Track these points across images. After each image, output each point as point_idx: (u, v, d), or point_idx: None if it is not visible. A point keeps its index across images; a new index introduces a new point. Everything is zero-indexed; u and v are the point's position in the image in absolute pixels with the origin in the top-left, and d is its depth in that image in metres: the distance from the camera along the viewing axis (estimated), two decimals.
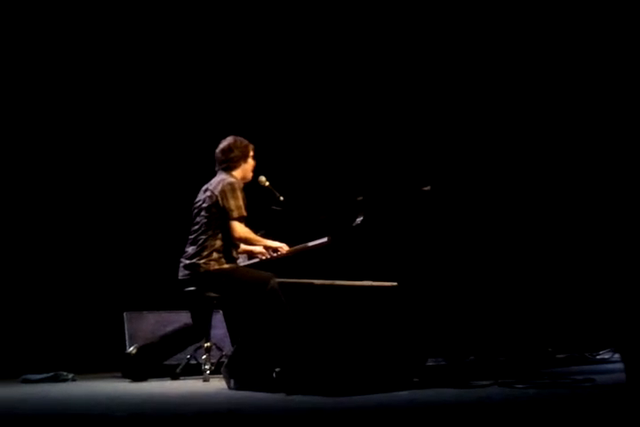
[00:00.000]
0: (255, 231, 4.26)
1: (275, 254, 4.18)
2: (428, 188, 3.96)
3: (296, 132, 6.09)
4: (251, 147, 4.28)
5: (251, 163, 4.28)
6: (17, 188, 5.83)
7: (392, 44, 5.96)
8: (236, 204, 4.05)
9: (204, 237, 4.09)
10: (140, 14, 5.93)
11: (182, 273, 4.14)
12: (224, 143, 4.27)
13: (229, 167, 4.22)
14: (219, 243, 4.08)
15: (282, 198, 4.37)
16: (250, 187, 4.34)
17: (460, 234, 4.10)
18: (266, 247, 4.18)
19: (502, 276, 4.60)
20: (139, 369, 4.15)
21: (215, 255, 4.06)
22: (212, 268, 4.03)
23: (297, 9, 6.04)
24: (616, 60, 5.16)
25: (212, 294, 4.06)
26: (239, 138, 4.28)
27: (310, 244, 3.96)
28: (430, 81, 5.85)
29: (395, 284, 3.33)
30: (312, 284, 3.08)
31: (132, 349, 4.20)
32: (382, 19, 5.96)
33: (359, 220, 3.79)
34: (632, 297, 2.51)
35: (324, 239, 3.84)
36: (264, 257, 4.23)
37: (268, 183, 4.40)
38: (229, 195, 4.05)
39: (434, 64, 5.86)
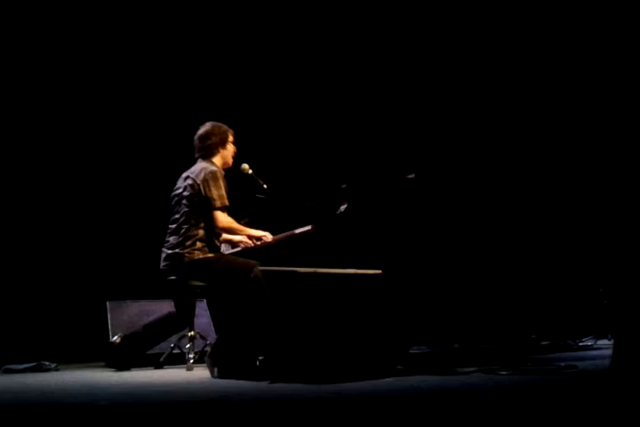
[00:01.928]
0: (238, 219, 4.23)
1: (258, 243, 4.16)
2: (412, 175, 3.95)
3: (280, 119, 6.05)
4: (230, 132, 4.23)
5: (230, 149, 4.23)
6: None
7: (375, 33, 5.94)
8: (219, 193, 4.01)
9: (186, 226, 4.06)
10: (132, 11, 5.87)
11: (164, 263, 4.10)
12: (201, 130, 4.21)
13: (208, 154, 4.17)
14: (201, 232, 4.04)
15: (265, 186, 4.34)
16: (232, 174, 4.30)
17: (445, 222, 4.11)
18: (249, 237, 4.16)
19: (486, 263, 4.63)
20: (122, 358, 4.12)
21: (199, 244, 4.03)
22: (196, 257, 4.00)
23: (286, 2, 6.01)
24: (616, 60, 5.17)
25: (196, 283, 4.05)
26: (217, 124, 4.22)
27: (294, 231, 3.95)
28: (414, 69, 5.84)
29: (379, 272, 3.33)
30: (295, 271, 3.07)
31: (115, 338, 4.18)
32: (367, 12, 5.94)
33: (343, 207, 3.78)
34: (628, 285, 2.52)
35: (308, 227, 3.83)
36: (247, 246, 4.22)
37: (251, 171, 4.37)
38: (212, 183, 4.01)
39: (417, 52, 5.84)
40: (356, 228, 3.75)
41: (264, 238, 4.13)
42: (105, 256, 5.87)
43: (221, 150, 4.19)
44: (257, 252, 4.14)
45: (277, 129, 6.02)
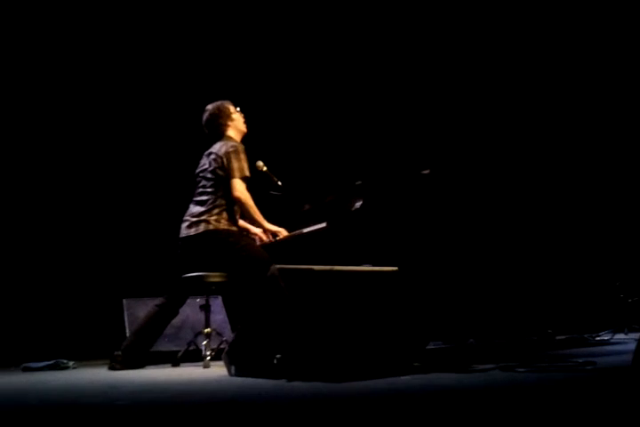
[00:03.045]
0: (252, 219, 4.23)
1: (272, 239, 4.17)
2: (427, 171, 3.93)
3: (295, 116, 6.04)
4: (227, 103, 4.33)
5: (237, 117, 4.32)
6: (12, 177, 5.80)
7: (387, 32, 5.92)
8: (239, 165, 4.08)
9: (212, 197, 4.12)
10: (133, 8, 5.87)
11: (187, 231, 4.11)
12: (204, 117, 4.34)
13: (221, 132, 4.28)
14: (226, 204, 4.09)
15: (280, 183, 4.35)
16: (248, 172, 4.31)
17: (460, 217, 4.08)
18: (264, 230, 4.17)
19: (501, 258, 4.60)
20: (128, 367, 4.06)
21: (225, 215, 4.08)
22: (221, 227, 4.04)
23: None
24: (616, 60, 5.13)
25: (213, 280, 4.05)
26: (213, 104, 4.34)
27: (309, 229, 3.94)
28: (429, 65, 5.81)
29: (394, 268, 3.32)
30: (312, 269, 3.06)
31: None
32: (374, 11, 5.92)
33: (358, 204, 3.76)
34: None
35: (323, 224, 3.82)
36: (261, 240, 4.22)
37: (265, 168, 4.38)
38: (233, 156, 4.10)
39: (430, 51, 5.82)
40: (372, 224, 3.73)
41: (279, 235, 4.13)
42: (121, 254, 5.90)
43: (230, 123, 4.29)
44: (271, 248, 4.14)
45: (292, 126, 6.01)
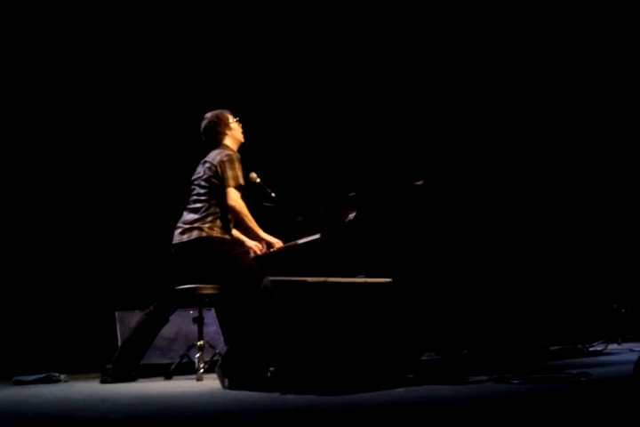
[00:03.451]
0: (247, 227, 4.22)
1: (266, 250, 4.17)
2: (420, 182, 3.94)
3: (288, 127, 6.06)
4: (226, 113, 4.35)
5: (235, 127, 4.34)
6: (5, 185, 5.77)
7: (383, 39, 5.95)
8: (234, 174, 4.09)
9: (206, 204, 4.13)
10: (132, 10, 5.88)
11: (180, 237, 4.11)
12: (202, 125, 4.36)
13: (218, 141, 4.30)
14: (220, 212, 4.10)
15: (273, 195, 4.35)
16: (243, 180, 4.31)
17: (453, 229, 4.09)
18: (260, 239, 4.16)
19: (494, 270, 4.61)
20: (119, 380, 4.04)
21: (219, 223, 4.08)
22: (214, 234, 4.04)
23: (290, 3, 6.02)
24: (616, 60, 5.16)
25: (205, 292, 4.04)
26: (212, 113, 4.36)
27: (303, 240, 3.94)
28: (422, 77, 5.84)
29: (388, 280, 3.31)
30: (305, 281, 3.06)
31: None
32: (371, 14, 5.94)
33: (351, 215, 3.77)
34: None
35: (317, 236, 3.82)
36: (255, 253, 4.21)
37: (259, 180, 4.39)
38: (227, 165, 4.11)
39: (424, 60, 5.84)
40: (365, 236, 3.73)
41: (274, 246, 4.13)
42: (113, 267, 5.87)
43: (228, 132, 4.31)
44: (265, 259, 4.14)
45: (286, 137, 6.02)
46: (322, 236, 3.78)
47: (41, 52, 5.81)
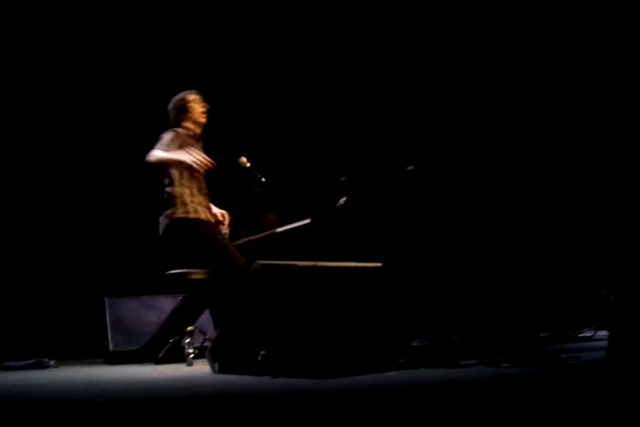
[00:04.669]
0: (236, 213, 4.21)
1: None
2: (411, 167, 3.93)
3: (278, 112, 6.02)
4: (184, 95, 4.28)
5: (192, 108, 4.26)
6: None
7: (374, 29, 5.92)
8: (161, 142, 4.02)
9: (168, 189, 4.10)
10: (127, 9, 5.83)
11: (160, 228, 4.12)
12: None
13: (177, 123, 4.23)
14: (181, 192, 4.06)
15: (263, 179, 4.33)
16: (231, 168, 4.29)
17: (444, 214, 4.08)
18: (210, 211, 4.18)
19: (485, 255, 4.61)
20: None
21: (178, 202, 4.05)
22: (181, 215, 4.03)
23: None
24: (616, 60, 5.15)
25: (195, 276, 4.03)
26: (174, 98, 4.30)
27: (293, 225, 3.93)
28: (412, 62, 5.81)
29: (379, 264, 3.31)
30: (295, 265, 3.04)
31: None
32: (363, 9, 5.92)
33: (342, 200, 3.75)
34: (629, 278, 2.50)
35: (307, 220, 3.81)
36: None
37: (249, 164, 4.35)
38: (159, 141, 4.03)
39: (416, 47, 5.82)
40: (356, 221, 3.72)
41: (224, 218, 4.16)
42: (103, 253, 5.84)
43: (184, 115, 4.24)
44: (257, 244, 4.12)
45: (276, 122, 5.99)
46: (312, 220, 3.76)
47: (25, 50, 5.73)
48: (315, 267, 3.08)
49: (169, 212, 4.06)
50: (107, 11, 5.78)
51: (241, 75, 6.01)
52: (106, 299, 4.76)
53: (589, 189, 5.21)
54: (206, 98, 4.33)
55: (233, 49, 6.09)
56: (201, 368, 3.49)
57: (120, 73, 5.95)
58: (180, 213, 4.04)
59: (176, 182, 4.08)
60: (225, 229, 4.27)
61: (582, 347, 3.67)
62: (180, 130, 4.15)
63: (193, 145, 4.08)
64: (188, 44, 6.02)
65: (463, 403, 1.89)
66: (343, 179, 3.89)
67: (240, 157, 4.33)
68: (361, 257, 3.45)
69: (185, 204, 4.06)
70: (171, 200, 4.08)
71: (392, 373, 2.74)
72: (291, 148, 5.88)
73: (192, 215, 4.05)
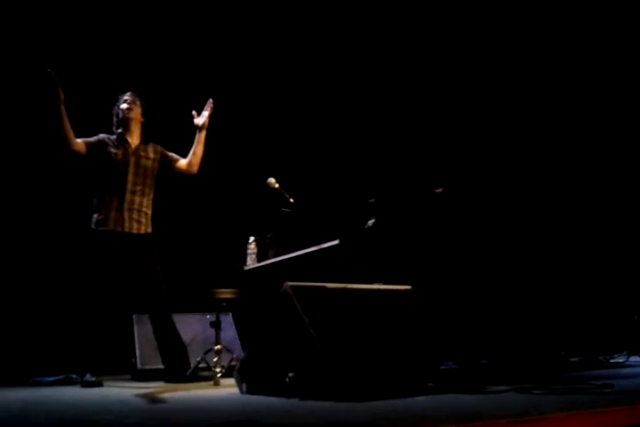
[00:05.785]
0: (264, 233, 4.23)
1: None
2: (440, 190, 3.92)
3: (307, 133, 6.04)
4: (118, 100, 4.39)
5: (117, 109, 4.37)
6: (20, 190, 5.76)
7: (401, 45, 5.94)
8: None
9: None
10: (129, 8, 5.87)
11: None
12: None
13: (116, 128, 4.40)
14: (97, 194, 4.31)
15: (292, 200, 4.34)
16: (260, 189, 4.31)
17: (473, 236, 4.06)
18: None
19: (514, 279, 4.56)
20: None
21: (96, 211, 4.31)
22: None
23: (299, 8, 6.00)
24: (616, 60, 5.12)
25: (223, 296, 4.04)
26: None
27: (321, 246, 3.92)
28: (444, 84, 5.82)
29: (408, 287, 3.29)
30: (325, 287, 3.04)
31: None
32: (385, 19, 5.94)
33: (371, 222, 3.75)
34: None
35: (335, 242, 3.80)
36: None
37: (277, 185, 4.38)
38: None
39: (445, 68, 5.83)
40: (385, 242, 3.71)
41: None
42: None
43: (116, 119, 4.40)
44: (284, 264, 4.12)
45: (306, 144, 6.00)
46: (340, 241, 3.75)
47: (25, 50, 5.76)
48: (344, 289, 3.08)
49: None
50: (112, 15, 5.81)
51: (272, 95, 6.04)
52: (134, 315, 4.79)
53: (624, 215, 5.15)
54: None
55: (263, 67, 6.12)
56: (228, 388, 3.49)
57: (121, 74, 5.95)
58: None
59: None
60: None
61: (615, 374, 3.61)
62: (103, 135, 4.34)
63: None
64: (206, 60, 6.02)
65: None
66: (372, 200, 3.88)
67: (269, 177, 4.35)
68: (389, 279, 3.43)
69: None
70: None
71: (422, 397, 2.72)
72: (320, 169, 5.89)
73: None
